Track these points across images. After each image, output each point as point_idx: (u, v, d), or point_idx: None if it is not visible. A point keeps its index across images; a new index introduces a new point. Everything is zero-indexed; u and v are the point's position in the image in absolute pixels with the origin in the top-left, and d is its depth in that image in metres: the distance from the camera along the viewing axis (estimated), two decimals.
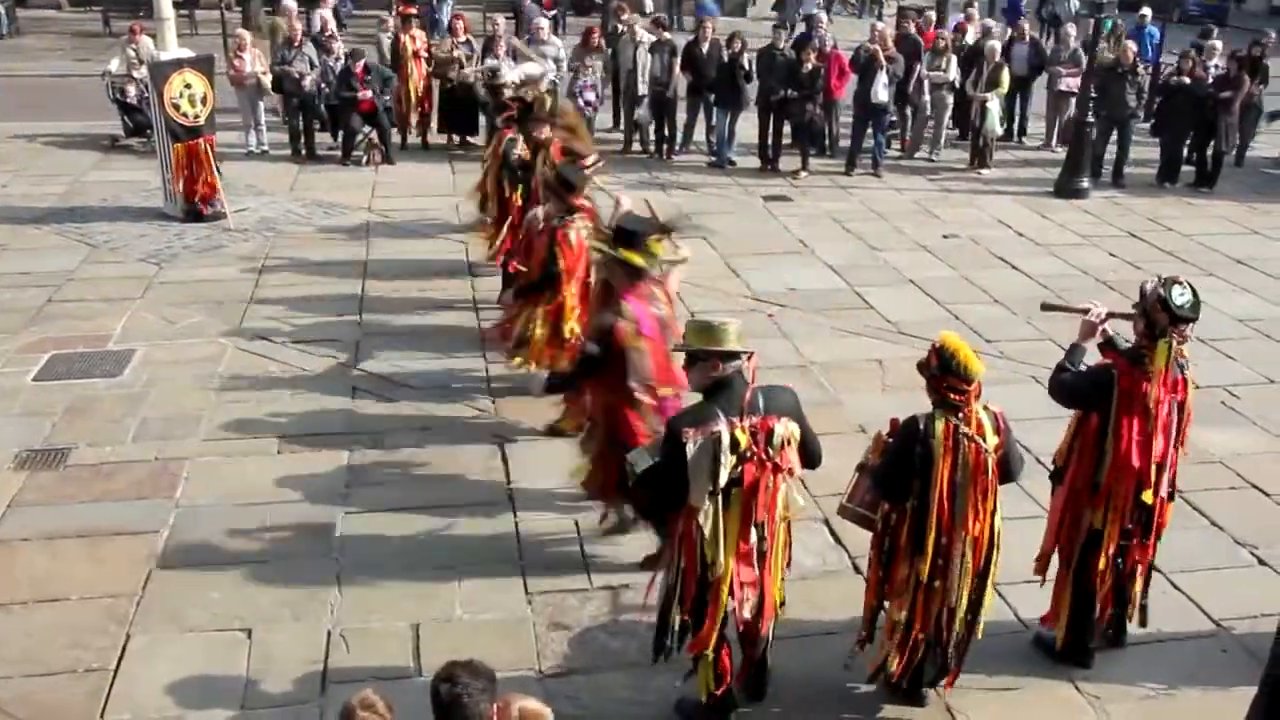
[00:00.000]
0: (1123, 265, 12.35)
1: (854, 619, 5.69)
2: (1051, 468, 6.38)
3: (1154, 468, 5.48)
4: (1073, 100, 16.36)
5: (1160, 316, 5.36)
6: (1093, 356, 5.80)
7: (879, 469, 5.36)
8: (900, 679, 5.48)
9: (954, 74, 16.19)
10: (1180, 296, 5.34)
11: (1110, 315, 5.75)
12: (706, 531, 4.91)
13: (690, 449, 4.81)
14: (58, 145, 16.24)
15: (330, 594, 6.37)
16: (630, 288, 6.40)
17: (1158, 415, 5.43)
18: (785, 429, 4.94)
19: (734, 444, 4.81)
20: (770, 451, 4.89)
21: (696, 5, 18.97)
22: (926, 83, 16.20)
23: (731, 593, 4.98)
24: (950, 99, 16.61)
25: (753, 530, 4.94)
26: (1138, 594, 5.82)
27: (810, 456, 5.22)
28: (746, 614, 5.05)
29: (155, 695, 5.55)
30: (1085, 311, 5.78)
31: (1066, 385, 5.65)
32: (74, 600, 6.25)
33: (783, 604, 5.33)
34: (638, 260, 6.39)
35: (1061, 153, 16.10)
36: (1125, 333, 5.76)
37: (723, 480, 4.83)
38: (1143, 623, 5.93)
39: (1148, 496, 5.52)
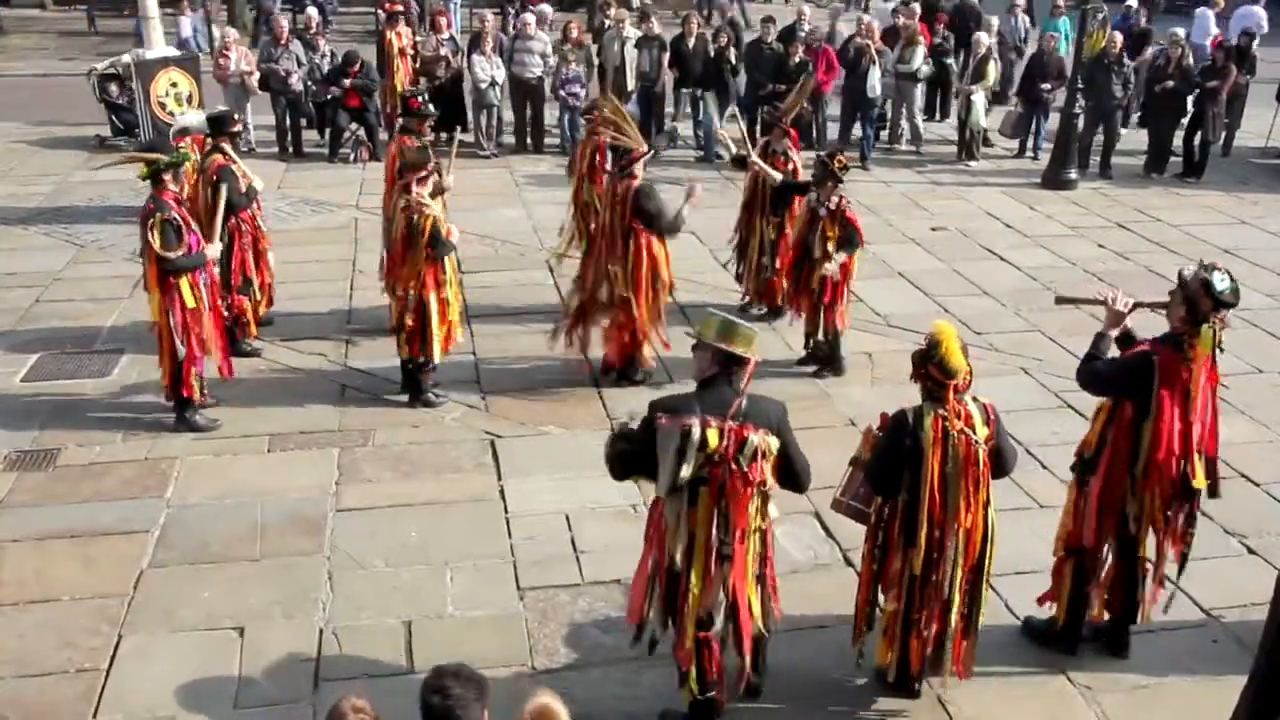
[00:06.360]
0: (1111, 256, 12.38)
1: (846, 612, 5.69)
2: (1040, 459, 6.41)
3: (1196, 454, 5.52)
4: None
5: (1204, 302, 5.36)
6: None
7: (870, 464, 5.37)
8: (891, 671, 5.50)
9: (917, 63, 16.11)
10: (1221, 282, 5.36)
11: (1138, 305, 5.73)
12: (670, 527, 4.94)
13: (659, 434, 4.83)
14: (44, 145, 16.18)
15: (322, 592, 6.36)
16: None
17: (1195, 403, 5.45)
18: (760, 441, 4.87)
19: (703, 442, 4.79)
20: (740, 461, 4.85)
21: None
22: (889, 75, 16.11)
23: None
24: (917, 90, 16.61)
25: (715, 533, 4.92)
26: (1160, 585, 5.82)
27: (793, 476, 5.14)
28: (719, 621, 5.07)
29: (147, 695, 5.55)
30: (1102, 303, 5.76)
31: (1101, 374, 5.61)
32: (65, 601, 6.24)
33: (763, 614, 5.27)
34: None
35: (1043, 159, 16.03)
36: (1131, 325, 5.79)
37: (685, 475, 4.82)
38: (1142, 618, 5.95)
39: (1198, 482, 5.53)
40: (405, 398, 8.54)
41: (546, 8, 17.79)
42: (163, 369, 7.93)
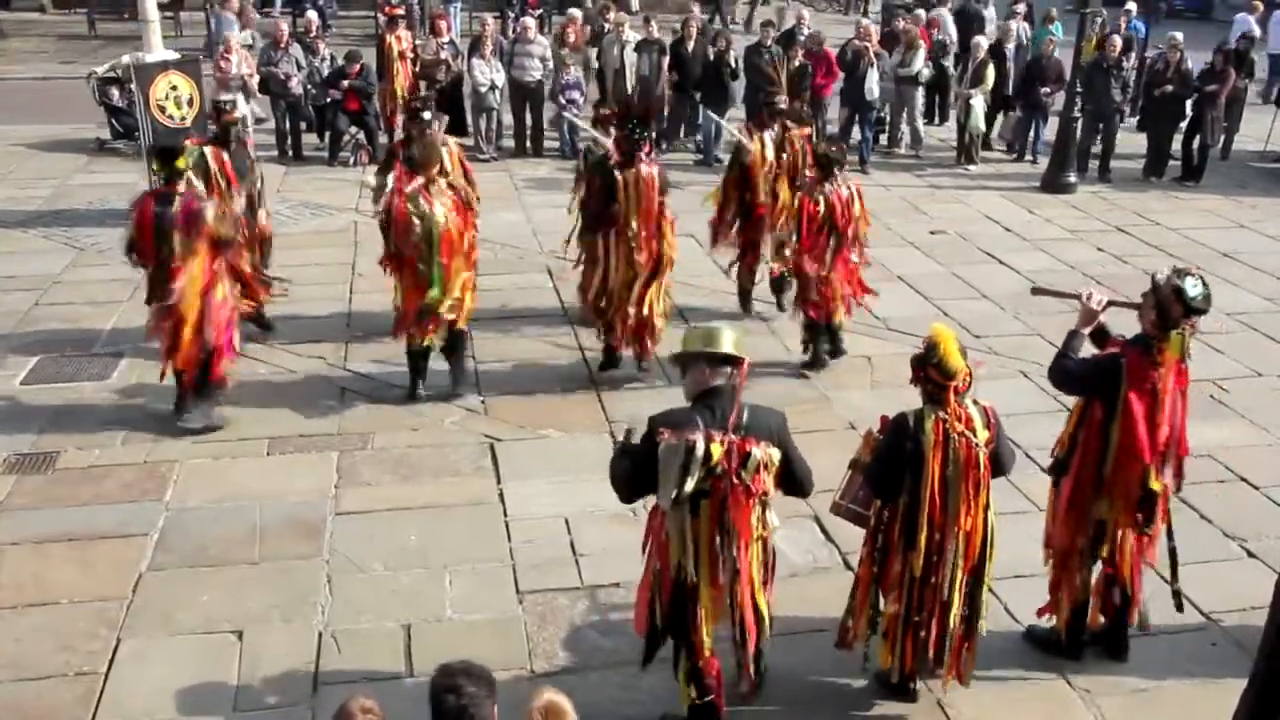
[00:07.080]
0: (1110, 259, 12.38)
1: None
2: (1039, 463, 6.33)
3: (1161, 457, 5.51)
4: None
5: (1175, 308, 5.35)
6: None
7: (870, 467, 5.37)
8: (894, 674, 5.49)
9: (917, 67, 16.15)
10: (1194, 289, 5.34)
11: (1111, 304, 5.74)
12: (674, 539, 4.94)
13: (661, 449, 4.80)
14: (44, 148, 16.18)
15: (320, 595, 6.36)
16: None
17: (1163, 405, 5.44)
18: (763, 454, 4.87)
19: (707, 456, 4.77)
20: (743, 474, 4.84)
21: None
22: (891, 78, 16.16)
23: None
24: (918, 93, 16.64)
25: (719, 544, 4.92)
26: (1139, 590, 5.80)
27: (797, 484, 5.15)
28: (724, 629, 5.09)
29: (146, 699, 5.54)
30: (1077, 297, 5.77)
31: (1072, 373, 5.61)
32: (64, 604, 6.23)
33: (769, 621, 5.26)
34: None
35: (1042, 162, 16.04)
36: (1112, 322, 5.77)
37: (689, 488, 4.80)
38: (1143, 626, 5.94)
39: (1156, 485, 5.52)
40: (408, 399, 8.56)
41: (575, 11, 17.71)
42: (186, 356, 7.88)
